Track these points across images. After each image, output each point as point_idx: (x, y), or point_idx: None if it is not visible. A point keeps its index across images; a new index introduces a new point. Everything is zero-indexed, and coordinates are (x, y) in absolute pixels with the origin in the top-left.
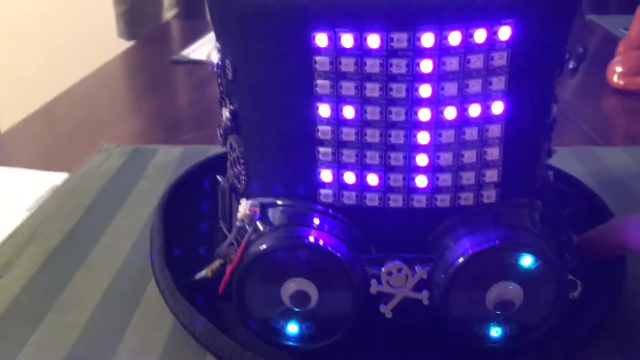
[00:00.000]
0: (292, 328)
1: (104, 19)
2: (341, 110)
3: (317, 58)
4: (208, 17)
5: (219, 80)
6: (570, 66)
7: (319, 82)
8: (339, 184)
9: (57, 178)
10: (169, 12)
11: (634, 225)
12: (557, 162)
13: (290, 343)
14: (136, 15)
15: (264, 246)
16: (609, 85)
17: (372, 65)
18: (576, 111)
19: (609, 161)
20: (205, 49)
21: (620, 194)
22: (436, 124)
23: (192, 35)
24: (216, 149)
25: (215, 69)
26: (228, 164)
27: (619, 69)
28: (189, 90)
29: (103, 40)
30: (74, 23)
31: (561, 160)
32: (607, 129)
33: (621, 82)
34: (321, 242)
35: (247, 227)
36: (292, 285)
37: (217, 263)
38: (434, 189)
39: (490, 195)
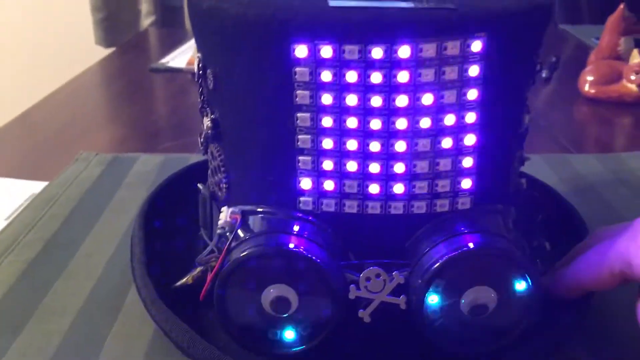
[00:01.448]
0: (273, 334)
1: (81, 26)
2: (320, 120)
3: (297, 69)
4: (186, 25)
5: (200, 89)
6: (544, 75)
7: (298, 92)
8: (318, 192)
9: (36, 187)
10: (146, 20)
11: (582, 267)
12: (530, 170)
13: (271, 349)
14: (114, 22)
15: (245, 253)
16: (581, 94)
17: (351, 76)
18: (549, 119)
19: (581, 168)
20: (184, 57)
21: (591, 200)
22: (413, 133)
23: (170, 44)
24: (196, 157)
25: (196, 79)
26: (209, 171)
27: (590, 78)
28: (168, 99)
29: (81, 48)
30: (52, 30)
31: (534, 167)
32: (579, 137)
33: (592, 91)
34: (301, 249)
35: (227, 234)
36: (272, 292)
37: (198, 270)
38: (410, 196)
39: (465, 202)
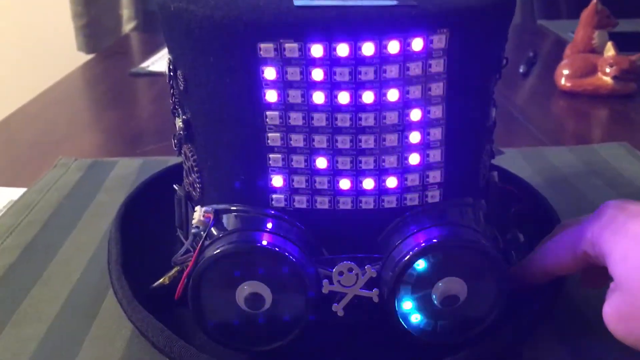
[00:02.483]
0: (248, 330)
1: (63, 33)
2: (289, 118)
3: (264, 68)
4: None
5: (172, 91)
6: (521, 70)
7: (266, 90)
8: (290, 189)
9: (15, 193)
10: (128, 25)
11: (549, 250)
12: (506, 163)
13: (246, 345)
14: (95, 28)
15: (218, 250)
16: (558, 88)
17: (317, 74)
18: (526, 114)
19: (556, 160)
20: (164, 61)
21: (564, 191)
22: (380, 129)
23: (151, 48)
24: (175, 160)
25: (167, 81)
26: (184, 172)
27: (565, 72)
28: (148, 103)
29: (63, 55)
30: (34, 38)
31: (510, 161)
32: (555, 130)
33: (568, 85)
34: (273, 246)
35: (201, 233)
36: (246, 288)
37: (174, 271)
38: (380, 191)
39: (434, 196)
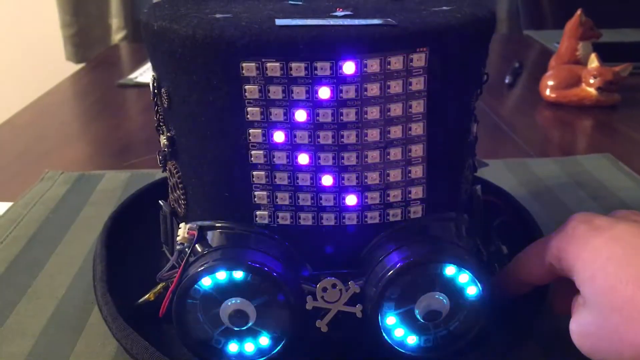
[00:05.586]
0: (232, 347)
1: (52, 42)
2: (272, 136)
3: (247, 87)
4: None
5: (156, 108)
6: (507, 81)
7: (249, 109)
8: (273, 206)
9: (1, 208)
10: (117, 34)
11: (521, 261)
12: (490, 174)
13: None
14: (84, 38)
15: (202, 268)
16: (543, 99)
17: (299, 92)
18: (511, 125)
19: (540, 172)
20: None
21: (548, 203)
22: (362, 146)
23: (140, 58)
24: (162, 174)
25: (152, 98)
26: (169, 188)
27: (550, 83)
28: (136, 114)
29: (51, 64)
30: (22, 46)
31: (494, 172)
32: (540, 141)
33: (553, 95)
34: (257, 262)
35: (186, 250)
36: (230, 305)
37: (159, 287)
38: (363, 207)
39: (417, 211)
